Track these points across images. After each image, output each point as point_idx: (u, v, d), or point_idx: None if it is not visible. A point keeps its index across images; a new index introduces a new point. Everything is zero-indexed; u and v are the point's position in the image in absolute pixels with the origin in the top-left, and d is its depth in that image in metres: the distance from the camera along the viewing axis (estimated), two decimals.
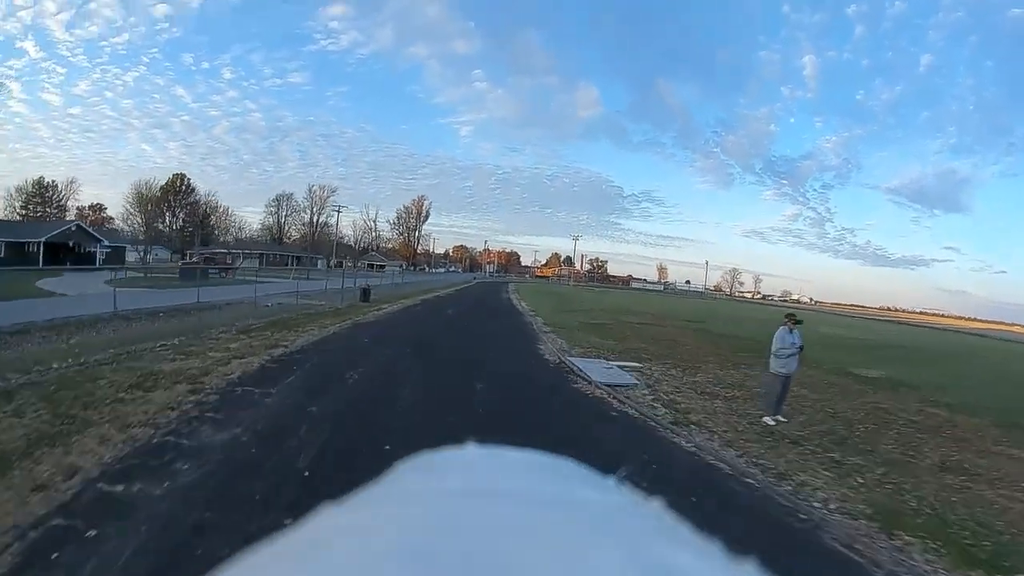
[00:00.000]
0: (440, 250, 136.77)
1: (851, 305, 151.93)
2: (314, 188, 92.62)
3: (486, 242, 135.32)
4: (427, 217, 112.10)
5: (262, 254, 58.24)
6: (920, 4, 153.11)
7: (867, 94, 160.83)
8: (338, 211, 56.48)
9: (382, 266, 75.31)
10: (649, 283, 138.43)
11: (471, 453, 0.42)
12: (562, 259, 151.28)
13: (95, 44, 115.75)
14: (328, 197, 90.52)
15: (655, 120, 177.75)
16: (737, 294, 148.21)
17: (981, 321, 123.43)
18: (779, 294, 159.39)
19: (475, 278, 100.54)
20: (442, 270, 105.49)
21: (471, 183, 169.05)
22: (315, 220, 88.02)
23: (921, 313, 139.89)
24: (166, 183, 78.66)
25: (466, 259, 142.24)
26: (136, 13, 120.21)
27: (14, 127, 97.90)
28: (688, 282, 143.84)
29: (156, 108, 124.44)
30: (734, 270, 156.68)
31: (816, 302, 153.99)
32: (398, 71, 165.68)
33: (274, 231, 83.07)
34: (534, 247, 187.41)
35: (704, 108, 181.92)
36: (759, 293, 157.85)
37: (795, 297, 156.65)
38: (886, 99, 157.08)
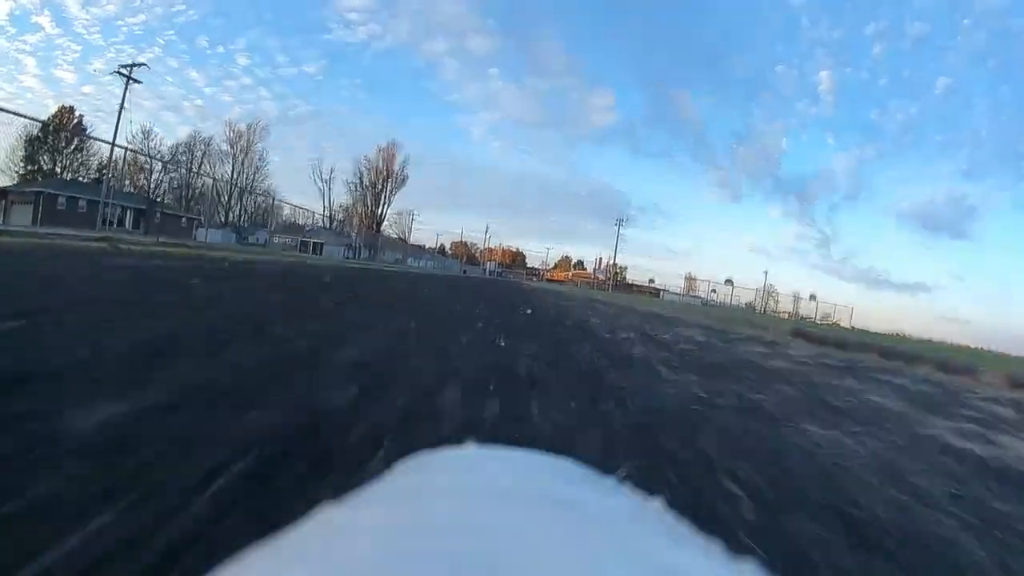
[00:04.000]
0: (434, 243, 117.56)
1: (855, 329, 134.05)
2: (235, 126, 68.51)
3: (488, 227, 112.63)
4: (404, 181, 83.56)
5: (40, 192, 36.91)
6: (941, 25, 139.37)
7: (882, 114, 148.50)
8: (126, 80, 32.48)
9: (319, 245, 53.51)
10: (675, 293, 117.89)
11: (471, 453, 0.41)
12: (572, 263, 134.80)
13: (111, 23, 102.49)
14: (255, 141, 67.71)
15: (669, 130, 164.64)
16: (772, 312, 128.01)
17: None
18: (819, 317, 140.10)
19: (465, 271, 78.71)
20: (430, 262, 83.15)
21: (480, 183, 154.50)
22: (236, 169, 65.04)
23: (929, 341, 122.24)
24: (47, 119, 57.66)
25: (463, 255, 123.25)
26: None
27: (25, 102, 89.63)
28: (714, 291, 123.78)
29: (168, 91, 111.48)
30: (768, 286, 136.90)
31: (855, 328, 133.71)
32: (414, 66, 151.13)
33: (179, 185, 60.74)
34: (542, 250, 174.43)
35: (719, 119, 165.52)
36: (795, 313, 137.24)
37: (834, 320, 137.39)
38: (901, 120, 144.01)
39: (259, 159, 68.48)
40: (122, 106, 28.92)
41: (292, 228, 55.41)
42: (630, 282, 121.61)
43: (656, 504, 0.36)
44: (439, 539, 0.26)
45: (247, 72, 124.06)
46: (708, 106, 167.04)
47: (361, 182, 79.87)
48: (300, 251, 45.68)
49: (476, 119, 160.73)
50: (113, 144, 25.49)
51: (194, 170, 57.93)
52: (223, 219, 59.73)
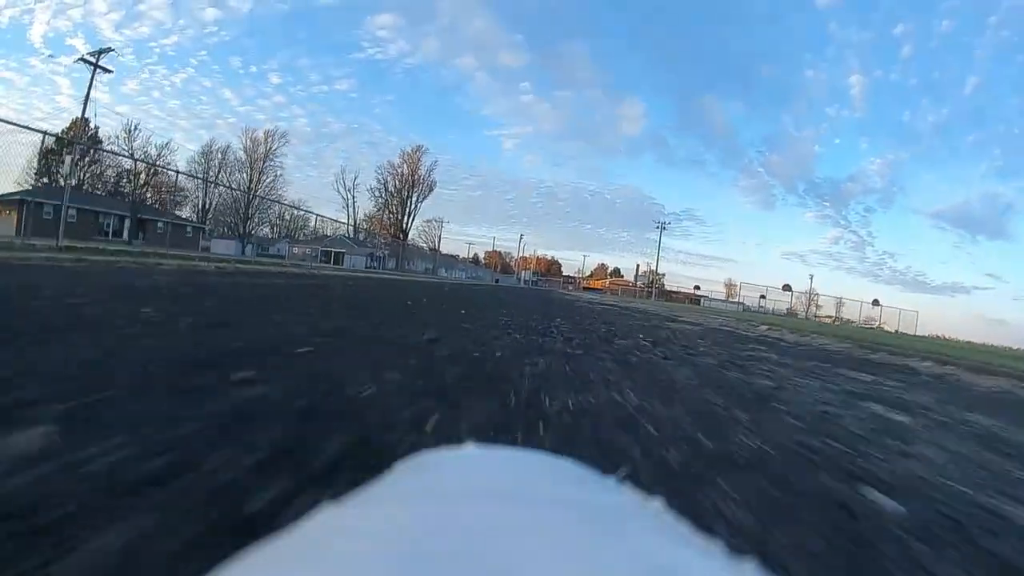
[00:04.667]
0: (467, 253, 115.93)
1: (895, 332, 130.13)
2: (253, 134, 64.83)
3: (522, 236, 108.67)
4: (431, 187, 78.14)
5: (24, 201, 35.10)
6: (967, 23, 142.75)
7: (913, 115, 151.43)
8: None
9: (340, 255, 51.70)
10: (716, 300, 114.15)
11: (471, 453, 0.41)
12: (608, 271, 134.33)
13: (144, 45, 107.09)
14: (274, 147, 64.69)
15: (699, 137, 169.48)
16: (814, 317, 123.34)
17: None
18: (862, 320, 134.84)
19: (497, 280, 75.99)
20: (462, 272, 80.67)
21: (512, 196, 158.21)
22: (252, 178, 62.01)
23: (969, 342, 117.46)
24: (62, 132, 56.84)
25: (497, 264, 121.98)
26: (185, 16, 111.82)
27: (61, 121, 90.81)
28: (763, 296, 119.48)
29: (203, 110, 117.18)
30: (811, 291, 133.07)
31: (898, 332, 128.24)
32: (445, 82, 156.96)
33: (197, 194, 59.21)
34: (576, 259, 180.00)
35: (749, 126, 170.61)
36: (840, 318, 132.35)
37: (878, 324, 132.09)
38: (932, 121, 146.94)
39: (278, 168, 65.88)
40: (88, 96, 27.07)
41: (316, 239, 53.87)
42: (668, 289, 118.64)
43: (656, 504, 0.36)
44: (439, 539, 0.26)
45: (280, 90, 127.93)
46: (738, 113, 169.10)
47: (386, 188, 75.30)
48: (321, 262, 44.07)
49: (508, 132, 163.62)
50: (75, 144, 23.62)
51: (210, 179, 56.41)
52: (242, 230, 58.24)
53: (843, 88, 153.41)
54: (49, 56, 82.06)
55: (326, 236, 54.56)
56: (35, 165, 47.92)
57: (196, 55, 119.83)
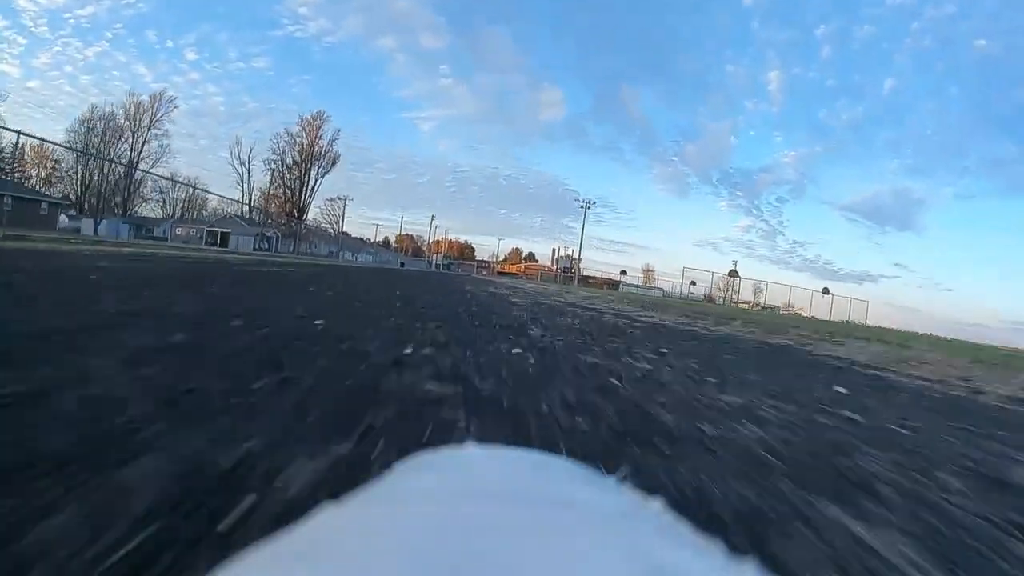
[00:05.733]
0: (375, 236, 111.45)
1: (810, 318, 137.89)
2: (136, 99, 56.28)
3: (433, 218, 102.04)
4: (335, 160, 68.19)
5: None
6: (889, 29, 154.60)
7: (829, 113, 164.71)
8: None
9: (226, 235, 46.40)
10: (633, 286, 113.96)
11: (471, 453, 0.41)
12: (523, 255, 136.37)
13: (59, 15, 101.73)
14: (161, 114, 56.69)
15: (616, 125, 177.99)
16: (732, 303, 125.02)
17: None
18: (781, 306, 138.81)
19: (403, 264, 70.80)
20: (369, 255, 75.69)
21: (426, 179, 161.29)
22: (134, 147, 54.14)
23: (879, 328, 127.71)
24: None
25: (408, 248, 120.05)
26: None
27: None
28: (694, 283, 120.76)
29: (115, 86, 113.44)
30: (731, 274, 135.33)
31: (813, 317, 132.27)
32: (364, 62, 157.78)
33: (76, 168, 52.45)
34: (491, 243, 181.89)
35: (666, 116, 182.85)
36: (758, 304, 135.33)
37: (796, 310, 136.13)
38: (847, 119, 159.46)
39: (164, 138, 57.26)
40: None
41: (204, 219, 48.28)
42: (586, 275, 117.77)
43: (656, 504, 0.36)
44: (439, 539, 0.26)
45: (196, 67, 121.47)
46: (655, 103, 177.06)
47: (283, 161, 64.49)
48: (207, 243, 39.12)
49: (425, 115, 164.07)
50: None
51: (87, 151, 49.48)
52: (122, 208, 51.39)
53: (761, 83, 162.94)
54: None
55: (221, 216, 48.95)
56: None
57: (112, 28, 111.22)
